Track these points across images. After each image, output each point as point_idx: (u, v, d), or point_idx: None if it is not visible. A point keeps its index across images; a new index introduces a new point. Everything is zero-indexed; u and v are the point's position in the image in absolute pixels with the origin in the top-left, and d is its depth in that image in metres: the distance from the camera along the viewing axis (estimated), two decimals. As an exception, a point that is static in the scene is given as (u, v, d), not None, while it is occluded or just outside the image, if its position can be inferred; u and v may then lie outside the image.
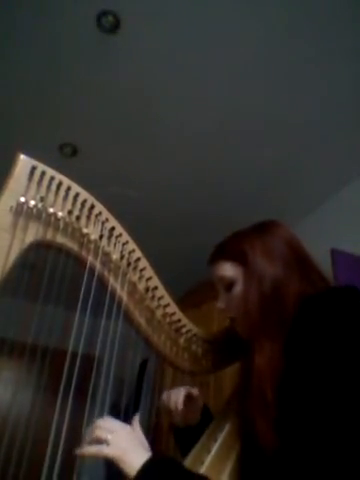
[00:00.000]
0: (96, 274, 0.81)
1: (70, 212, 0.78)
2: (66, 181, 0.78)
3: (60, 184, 0.77)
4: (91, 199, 0.81)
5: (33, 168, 0.75)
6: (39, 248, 0.76)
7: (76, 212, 0.79)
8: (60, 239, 0.78)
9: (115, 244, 0.84)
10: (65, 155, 2.28)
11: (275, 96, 1.89)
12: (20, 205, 0.72)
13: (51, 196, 0.77)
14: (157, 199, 2.61)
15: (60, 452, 0.66)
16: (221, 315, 0.93)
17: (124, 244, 0.85)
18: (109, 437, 0.68)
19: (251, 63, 1.75)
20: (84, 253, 0.80)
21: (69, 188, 0.78)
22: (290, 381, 0.68)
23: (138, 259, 0.87)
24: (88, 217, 0.81)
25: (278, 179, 2.35)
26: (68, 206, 0.78)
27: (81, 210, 0.80)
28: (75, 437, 0.70)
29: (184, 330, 0.92)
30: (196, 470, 0.74)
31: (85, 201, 0.80)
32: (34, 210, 0.74)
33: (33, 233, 0.74)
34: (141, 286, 0.87)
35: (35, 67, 1.83)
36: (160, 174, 2.42)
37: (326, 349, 0.65)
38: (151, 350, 0.91)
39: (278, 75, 1.79)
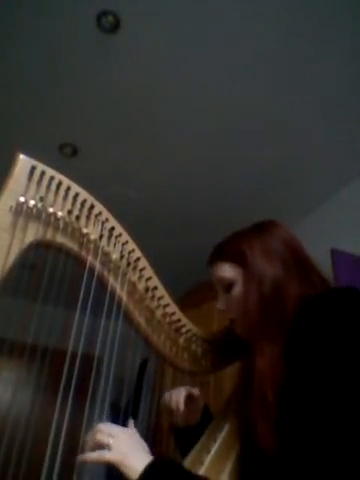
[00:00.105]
0: (96, 274, 0.81)
1: (70, 212, 0.78)
2: (66, 181, 0.78)
3: (60, 184, 0.77)
4: (91, 199, 0.81)
5: (33, 168, 0.75)
6: (39, 248, 0.76)
7: (76, 212, 0.79)
8: (60, 239, 0.78)
9: (115, 244, 0.84)
10: (65, 155, 2.28)
11: (275, 96, 1.89)
12: (20, 205, 0.72)
13: (51, 196, 0.77)
14: (157, 199, 2.61)
15: (60, 452, 0.66)
16: (221, 315, 0.92)
17: (124, 244, 0.85)
18: (110, 441, 0.68)
19: (251, 63, 1.75)
20: (84, 253, 0.80)
21: (69, 188, 0.78)
22: (291, 383, 0.68)
23: (138, 259, 0.87)
24: (88, 217, 0.81)
25: (278, 179, 2.35)
26: (68, 206, 0.78)
27: (81, 210, 0.80)
28: (75, 437, 0.70)
29: (184, 330, 0.92)
30: (196, 470, 0.74)
31: (85, 201, 0.80)
32: (34, 210, 0.74)
33: (33, 233, 0.74)
34: (141, 286, 0.87)
35: (35, 67, 1.83)
36: (160, 174, 2.42)
37: (327, 351, 0.65)
38: (151, 350, 0.91)
39: (278, 75, 1.79)
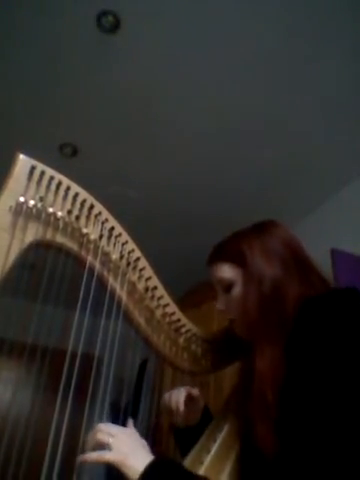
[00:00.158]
0: (95, 274, 0.81)
1: (69, 212, 0.78)
2: (65, 181, 0.78)
3: (59, 184, 0.77)
4: (90, 199, 0.81)
5: (32, 168, 0.75)
6: (38, 248, 0.76)
7: (75, 212, 0.79)
8: (59, 239, 0.78)
9: (114, 244, 0.84)
10: (65, 155, 2.28)
11: (275, 96, 1.88)
12: (19, 205, 0.72)
13: (50, 196, 0.77)
14: (157, 199, 2.61)
15: (60, 452, 0.66)
16: (221, 315, 0.92)
17: (123, 244, 0.85)
18: (110, 441, 0.68)
19: (251, 63, 1.75)
20: (84, 253, 0.80)
21: (68, 188, 0.78)
22: (291, 384, 0.67)
23: (137, 259, 0.87)
24: (88, 217, 0.81)
25: (278, 179, 2.35)
26: (67, 206, 0.78)
27: (80, 210, 0.80)
28: (75, 437, 0.70)
29: (183, 330, 0.92)
30: (196, 470, 0.74)
31: (84, 201, 0.80)
32: (33, 210, 0.74)
33: (32, 233, 0.74)
34: (140, 286, 0.87)
35: (35, 67, 1.83)
36: (160, 174, 2.42)
37: (327, 352, 0.65)
38: (151, 350, 0.91)
39: (278, 75, 1.79)
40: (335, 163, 2.18)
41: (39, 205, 0.74)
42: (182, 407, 0.90)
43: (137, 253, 0.87)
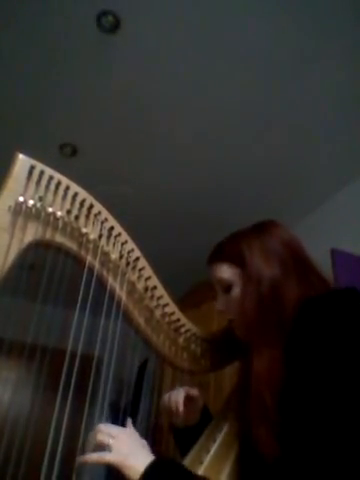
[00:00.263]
0: (95, 273, 0.81)
1: (69, 211, 0.78)
2: (65, 180, 0.78)
3: (59, 183, 0.77)
4: (90, 198, 0.81)
5: (32, 167, 0.74)
6: (38, 248, 0.76)
7: (75, 211, 0.79)
8: (59, 239, 0.77)
9: (114, 243, 0.84)
10: (65, 155, 2.28)
11: (275, 96, 1.88)
12: (19, 205, 0.72)
13: (50, 195, 0.76)
14: (157, 199, 2.61)
15: (59, 452, 0.66)
16: (221, 315, 0.92)
17: (123, 244, 0.85)
18: (111, 442, 0.68)
19: (251, 63, 1.75)
20: (83, 253, 0.80)
21: (68, 187, 0.78)
22: (291, 386, 0.67)
23: (137, 258, 0.87)
24: (87, 216, 0.81)
25: (278, 179, 2.34)
26: (67, 205, 0.78)
27: (80, 209, 0.80)
28: (74, 437, 0.70)
29: (183, 330, 0.92)
30: (195, 470, 0.74)
31: (84, 200, 0.80)
32: (33, 210, 0.74)
33: (32, 233, 0.74)
34: (140, 285, 0.87)
35: (35, 67, 1.83)
36: (160, 174, 2.42)
37: (327, 353, 0.65)
38: (150, 350, 0.91)
39: (278, 75, 1.79)
40: (335, 163, 2.18)
41: (38, 205, 0.74)
42: (181, 407, 0.90)
43: (136, 253, 0.87)
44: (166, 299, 0.90)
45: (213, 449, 0.79)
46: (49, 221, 0.76)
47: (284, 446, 0.64)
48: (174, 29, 1.65)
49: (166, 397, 0.93)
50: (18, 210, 0.72)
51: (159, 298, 0.89)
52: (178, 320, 0.91)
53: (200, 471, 0.74)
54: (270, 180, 2.36)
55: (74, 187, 0.79)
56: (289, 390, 0.67)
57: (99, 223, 0.82)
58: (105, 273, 0.82)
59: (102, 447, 0.68)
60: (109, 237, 0.83)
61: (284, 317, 0.74)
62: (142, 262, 0.88)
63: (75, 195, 0.79)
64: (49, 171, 0.76)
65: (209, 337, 0.95)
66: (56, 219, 0.76)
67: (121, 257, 0.84)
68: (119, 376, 0.97)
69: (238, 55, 1.73)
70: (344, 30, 1.60)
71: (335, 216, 2.30)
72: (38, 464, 0.67)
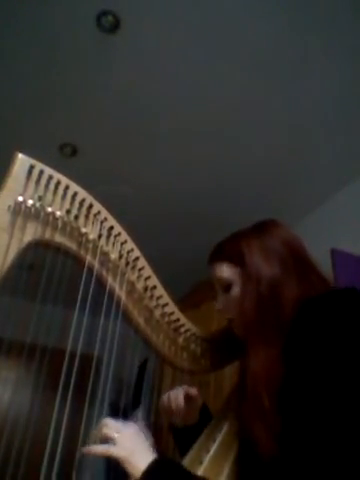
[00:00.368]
0: (94, 273, 0.81)
1: (68, 211, 0.78)
2: (64, 180, 0.78)
3: (58, 183, 0.77)
4: (89, 198, 0.81)
5: (31, 167, 0.74)
6: (37, 247, 0.76)
7: (74, 211, 0.79)
8: (58, 238, 0.77)
9: (114, 243, 0.84)
10: (65, 155, 2.28)
11: (275, 96, 1.88)
12: (18, 204, 0.72)
13: (49, 195, 0.76)
14: (157, 199, 2.61)
15: (59, 452, 0.66)
16: (220, 315, 0.92)
17: (123, 243, 0.85)
18: (116, 436, 0.68)
19: (251, 63, 1.75)
20: (82, 252, 0.80)
21: (67, 187, 0.78)
22: (290, 386, 0.67)
23: (137, 258, 0.86)
24: (86, 216, 0.80)
25: (278, 179, 2.34)
26: (66, 205, 0.78)
27: (79, 209, 0.80)
28: (74, 437, 0.70)
29: (183, 329, 0.92)
30: (195, 470, 0.74)
31: (83, 200, 0.80)
32: (32, 209, 0.74)
33: (31, 232, 0.74)
34: (140, 285, 0.87)
35: (35, 67, 1.83)
36: (160, 174, 2.42)
37: (326, 353, 0.65)
38: (150, 349, 0.90)
39: (278, 75, 1.79)
40: (335, 163, 2.18)
41: (38, 204, 0.74)
42: (180, 407, 0.90)
43: (136, 252, 0.87)
44: (166, 299, 0.90)
45: (213, 449, 0.79)
46: (48, 221, 0.76)
47: (282, 446, 0.64)
48: (174, 29, 1.65)
49: (165, 397, 0.93)
50: (17, 210, 0.72)
51: (159, 298, 0.89)
52: (178, 320, 0.91)
53: (200, 471, 0.74)
54: (270, 180, 2.36)
55: (73, 187, 0.79)
56: (287, 390, 0.67)
57: (98, 223, 0.82)
58: (104, 273, 0.82)
59: (106, 441, 0.68)
60: (108, 237, 0.83)
61: (283, 317, 0.73)
62: (141, 262, 0.87)
63: (74, 195, 0.79)
64: (48, 171, 0.76)
65: (209, 337, 0.95)
66: (55, 219, 0.76)
67: (120, 257, 0.84)
68: (119, 376, 0.97)
69: (238, 55, 1.73)
70: (344, 30, 1.60)
71: (335, 216, 2.30)
72: (37, 464, 0.67)
